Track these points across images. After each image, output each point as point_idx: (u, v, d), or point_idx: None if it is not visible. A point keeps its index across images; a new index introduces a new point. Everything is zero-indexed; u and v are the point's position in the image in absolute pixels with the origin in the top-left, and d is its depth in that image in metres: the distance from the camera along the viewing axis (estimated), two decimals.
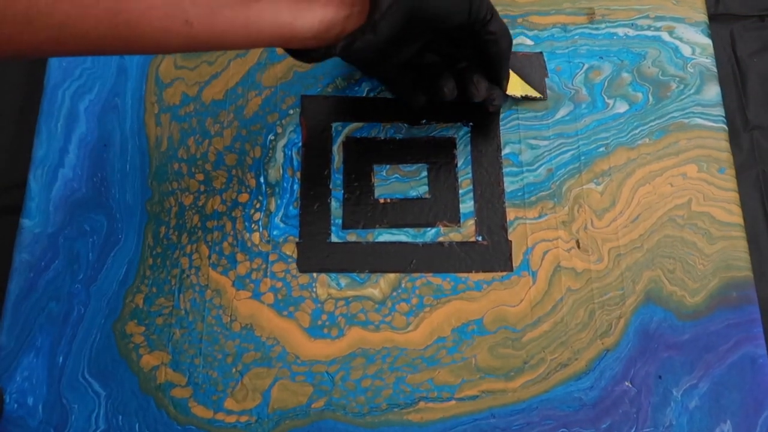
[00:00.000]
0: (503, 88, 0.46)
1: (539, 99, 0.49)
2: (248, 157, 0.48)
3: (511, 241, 0.46)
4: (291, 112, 0.49)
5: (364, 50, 0.38)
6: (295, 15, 0.36)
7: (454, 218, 0.46)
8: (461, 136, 0.48)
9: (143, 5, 0.32)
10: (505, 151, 0.48)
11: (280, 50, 0.51)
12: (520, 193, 0.47)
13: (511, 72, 0.47)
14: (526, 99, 0.49)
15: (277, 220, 0.46)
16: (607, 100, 0.49)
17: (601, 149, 0.48)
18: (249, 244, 0.46)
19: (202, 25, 0.33)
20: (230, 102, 0.49)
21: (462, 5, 0.39)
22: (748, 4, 0.57)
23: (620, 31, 0.51)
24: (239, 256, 0.45)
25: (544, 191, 0.47)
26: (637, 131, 0.48)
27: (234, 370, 0.43)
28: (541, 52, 0.50)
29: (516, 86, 0.48)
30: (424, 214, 0.46)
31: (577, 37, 0.51)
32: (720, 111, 0.48)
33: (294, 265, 0.45)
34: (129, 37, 0.32)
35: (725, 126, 0.48)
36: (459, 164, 0.48)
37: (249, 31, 0.35)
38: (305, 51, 0.39)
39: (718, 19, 0.56)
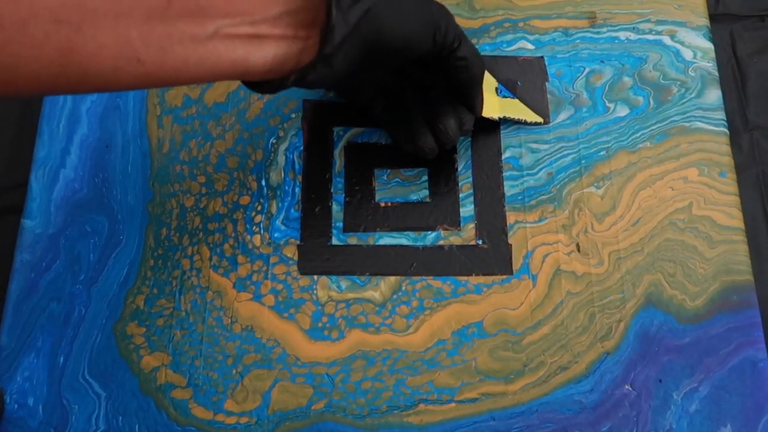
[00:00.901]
0: (477, 113, 0.45)
1: (534, 123, 0.48)
2: (250, 160, 0.48)
3: (511, 244, 0.46)
4: (293, 116, 0.49)
5: (320, 82, 0.37)
6: (249, 51, 0.35)
7: (454, 222, 0.46)
8: (461, 140, 0.48)
9: (93, 45, 0.31)
10: (506, 155, 0.48)
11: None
12: (520, 197, 0.47)
13: (486, 93, 0.46)
14: (506, 121, 0.48)
15: (278, 222, 0.46)
16: (608, 104, 0.49)
17: (601, 153, 0.48)
18: (250, 246, 0.46)
19: (154, 63, 0.32)
20: (232, 105, 0.49)
21: (425, 35, 0.39)
22: (748, 4, 0.57)
23: (621, 35, 0.51)
24: (240, 258, 0.46)
25: (545, 195, 0.47)
26: (638, 135, 0.48)
27: (234, 371, 0.43)
28: (542, 57, 0.50)
29: (493, 108, 0.47)
30: (425, 217, 0.46)
31: (578, 41, 0.51)
32: (721, 115, 0.48)
33: (295, 268, 0.45)
34: (81, 77, 0.31)
35: (726, 130, 0.48)
36: (459, 168, 0.48)
37: (203, 67, 0.34)
38: (260, 83, 0.38)
39: (718, 20, 0.56)
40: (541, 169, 0.47)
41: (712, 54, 0.50)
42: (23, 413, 0.42)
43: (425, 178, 0.47)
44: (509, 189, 0.47)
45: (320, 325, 0.44)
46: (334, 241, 0.46)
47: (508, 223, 0.46)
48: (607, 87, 0.49)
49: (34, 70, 0.30)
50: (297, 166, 0.48)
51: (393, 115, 0.46)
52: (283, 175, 0.48)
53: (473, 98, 0.44)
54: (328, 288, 0.45)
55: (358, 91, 0.44)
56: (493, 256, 0.45)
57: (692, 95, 0.49)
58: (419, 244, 0.46)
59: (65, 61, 0.30)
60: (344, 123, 0.49)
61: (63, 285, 0.45)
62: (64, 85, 0.31)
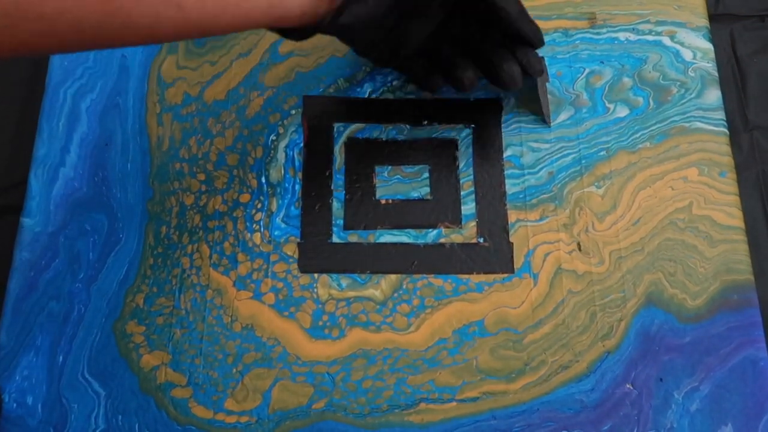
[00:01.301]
0: (537, 43, 0.43)
1: (542, 118, 0.49)
2: (250, 158, 0.48)
3: (512, 243, 0.46)
4: (293, 112, 0.49)
5: (354, 25, 0.37)
6: None
7: (455, 220, 0.46)
8: (463, 137, 0.48)
9: None
10: (507, 153, 0.48)
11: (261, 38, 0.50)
12: (521, 196, 0.47)
13: None
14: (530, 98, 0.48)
15: (278, 220, 0.46)
16: (607, 105, 0.49)
17: (602, 153, 0.48)
18: (250, 245, 0.46)
19: (193, 8, 0.33)
20: (232, 102, 0.49)
21: None
22: (748, 4, 0.57)
23: (621, 35, 0.51)
24: (240, 257, 0.45)
25: (546, 194, 0.47)
26: (637, 135, 0.48)
27: (234, 370, 0.43)
28: (542, 57, 0.50)
29: None
30: (426, 215, 0.46)
31: (578, 41, 0.51)
32: (721, 115, 0.49)
33: (295, 266, 0.45)
34: (123, 25, 0.32)
35: (726, 130, 0.48)
36: (460, 166, 0.48)
37: (239, 11, 0.35)
38: (294, 29, 0.38)
39: (718, 20, 0.56)
40: (542, 168, 0.47)
41: (712, 54, 0.50)
42: (22, 412, 0.42)
43: (426, 175, 0.47)
44: (510, 187, 0.47)
45: (321, 323, 0.44)
46: (335, 239, 0.46)
47: (509, 222, 0.46)
48: (607, 88, 0.50)
49: (77, 19, 0.30)
50: (297, 163, 0.48)
51: (434, 68, 0.45)
52: (283, 172, 0.47)
53: (525, 29, 0.42)
54: (328, 286, 0.45)
55: (404, 44, 0.42)
56: (494, 255, 0.45)
57: (692, 95, 0.49)
58: (420, 241, 0.46)
59: (107, 9, 0.31)
60: (344, 119, 0.49)
61: (62, 283, 0.45)
62: (105, 36, 0.32)
